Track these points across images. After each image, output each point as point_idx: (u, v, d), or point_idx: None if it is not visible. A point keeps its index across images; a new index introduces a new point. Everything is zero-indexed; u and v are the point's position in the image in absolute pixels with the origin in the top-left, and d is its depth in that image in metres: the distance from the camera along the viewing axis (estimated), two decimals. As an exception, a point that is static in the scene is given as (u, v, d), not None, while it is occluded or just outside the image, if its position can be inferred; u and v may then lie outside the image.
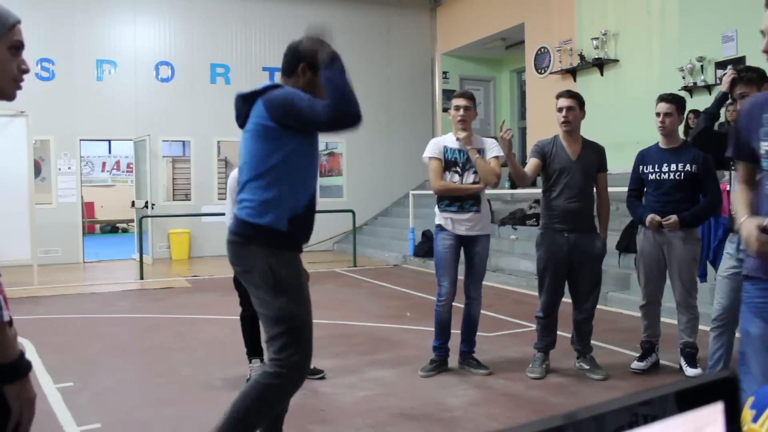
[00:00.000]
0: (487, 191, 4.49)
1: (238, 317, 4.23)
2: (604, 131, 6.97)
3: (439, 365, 4.36)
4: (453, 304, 4.34)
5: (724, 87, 3.59)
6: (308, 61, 2.58)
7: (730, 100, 3.71)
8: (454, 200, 4.26)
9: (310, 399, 3.93)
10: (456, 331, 4.56)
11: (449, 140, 4.32)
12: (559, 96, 4.28)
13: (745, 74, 3.47)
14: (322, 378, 4.24)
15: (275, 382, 2.54)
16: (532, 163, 4.31)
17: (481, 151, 4.25)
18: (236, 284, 4.22)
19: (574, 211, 4.18)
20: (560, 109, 4.21)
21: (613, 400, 0.50)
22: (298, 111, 2.46)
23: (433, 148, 4.32)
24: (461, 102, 4.26)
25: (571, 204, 4.18)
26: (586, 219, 4.24)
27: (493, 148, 4.32)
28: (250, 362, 4.17)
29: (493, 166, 4.24)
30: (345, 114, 2.43)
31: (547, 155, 4.25)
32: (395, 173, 13.31)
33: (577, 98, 4.24)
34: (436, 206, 4.36)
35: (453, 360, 4.49)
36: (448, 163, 4.26)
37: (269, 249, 2.54)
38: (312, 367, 4.32)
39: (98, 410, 3.77)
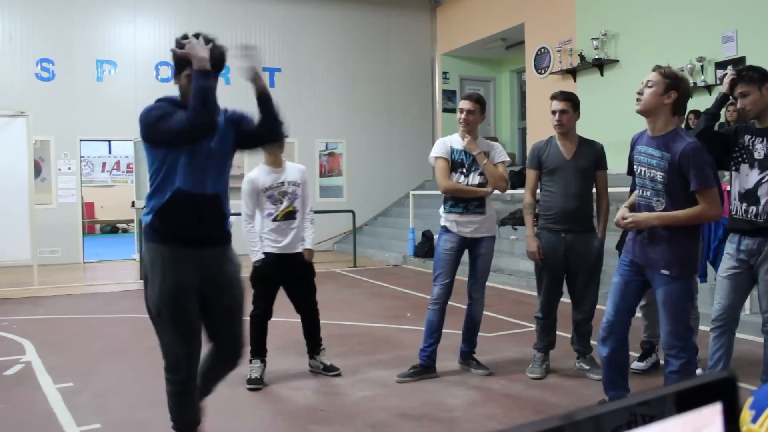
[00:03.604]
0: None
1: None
2: (604, 131, 6.97)
3: (420, 372, 4.24)
4: (455, 305, 4.34)
5: (724, 87, 3.59)
6: (181, 68, 2.71)
7: (730, 101, 3.71)
8: (458, 201, 4.25)
9: (310, 399, 3.94)
10: (454, 332, 4.56)
11: (456, 141, 4.30)
12: (552, 98, 4.26)
13: (746, 73, 3.46)
14: (338, 375, 4.30)
15: (167, 389, 2.78)
16: (530, 177, 4.33)
17: (486, 155, 4.25)
18: (253, 282, 4.23)
19: (571, 210, 4.17)
20: (554, 112, 4.20)
21: (612, 400, 0.50)
22: (157, 129, 2.65)
23: (440, 147, 4.31)
24: (465, 105, 4.25)
25: (568, 204, 4.18)
26: (583, 219, 4.23)
27: (500, 153, 4.32)
28: (251, 362, 4.16)
29: (501, 171, 4.24)
30: (195, 125, 2.58)
31: (541, 156, 4.25)
32: (395, 173, 13.31)
33: (570, 100, 4.21)
34: (441, 207, 4.35)
35: (452, 361, 4.49)
36: (455, 164, 4.25)
37: (145, 242, 2.80)
38: (329, 363, 4.35)
39: (98, 410, 3.77)
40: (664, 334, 3.23)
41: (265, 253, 4.20)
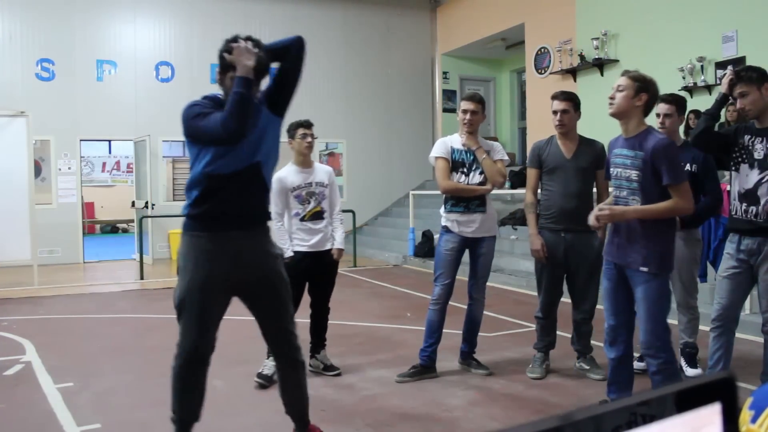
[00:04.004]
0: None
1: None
2: (604, 132, 6.94)
3: (420, 372, 4.24)
4: (455, 305, 4.34)
5: (723, 88, 3.59)
6: (226, 69, 2.73)
7: (730, 101, 3.71)
8: (460, 201, 4.25)
9: (310, 399, 3.93)
10: (454, 332, 4.56)
11: (456, 141, 4.31)
12: (553, 98, 4.27)
13: (746, 73, 3.46)
14: (338, 375, 4.31)
15: (173, 364, 2.86)
16: (531, 176, 4.33)
17: (486, 155, 4.25)
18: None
19: (570, 210, 4.17)
20: (555, 112, 4.21)
21: (611, 400, 0.50)
22: (193, 126, 2.70)
23: (441, 147, 4.31)
24: (468, 106, 4.24)
25: (567, 203, 4.17)
26: (583, 218, 4.20)
27: (500, 152, 4.33)
28: (268, 357, 4.15)
29: (500, 167, 4.24)
30: (227, 130, 2.60)
31: (542, 155, 4.26)
32: (395, 173, 13.31)
33: (571, 100, 4.22)
34: (442, 207, 4.35)
35: (452, 361, 4.49)
36: (455, 164, 4.25)
37: (182, 236, 2.86)
38: (329, 363, 4.35)
39: (98, 410, 3.78)
40: (643, 333, 3.27)
41: (294, 251, 4.24)
